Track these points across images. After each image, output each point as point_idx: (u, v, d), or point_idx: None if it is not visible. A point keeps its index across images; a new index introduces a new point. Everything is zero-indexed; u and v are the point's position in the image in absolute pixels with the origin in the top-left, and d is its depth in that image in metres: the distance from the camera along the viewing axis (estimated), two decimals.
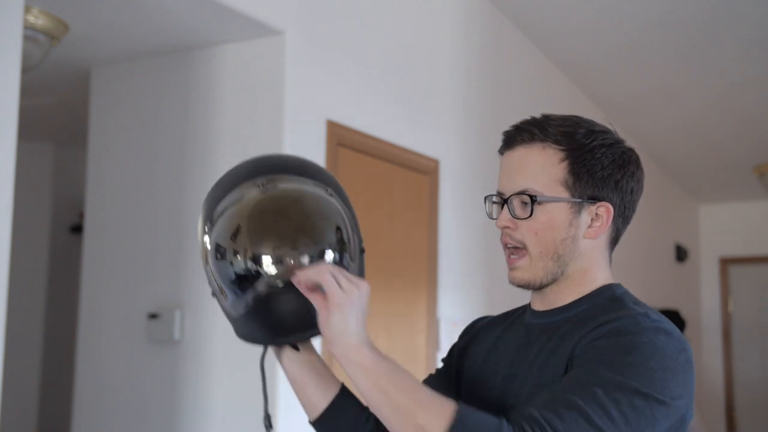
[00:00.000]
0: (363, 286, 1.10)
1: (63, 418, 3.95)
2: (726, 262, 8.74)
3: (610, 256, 1.24)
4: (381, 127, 3.09)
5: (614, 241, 1.23)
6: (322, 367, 1.25)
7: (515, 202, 1.17)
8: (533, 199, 1.15)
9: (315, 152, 2.75)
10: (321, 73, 2.82)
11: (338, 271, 1.10)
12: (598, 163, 1.16)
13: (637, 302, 1.18)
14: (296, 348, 1.22)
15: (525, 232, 1.17)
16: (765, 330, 8.40)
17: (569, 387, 1.05)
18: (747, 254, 8.60)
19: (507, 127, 1.24)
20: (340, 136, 2.86)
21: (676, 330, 1.11)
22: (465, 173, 3.68)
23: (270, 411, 2.50)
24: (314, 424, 1.26)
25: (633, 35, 4.41)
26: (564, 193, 1.16)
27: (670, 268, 7.48)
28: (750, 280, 8.61)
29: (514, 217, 1.17)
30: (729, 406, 8.42)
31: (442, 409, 1.03)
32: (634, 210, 1.22)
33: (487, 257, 3.78)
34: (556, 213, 1.16)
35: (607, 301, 1.17)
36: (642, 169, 1.23)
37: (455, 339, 1.40)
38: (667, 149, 6.44)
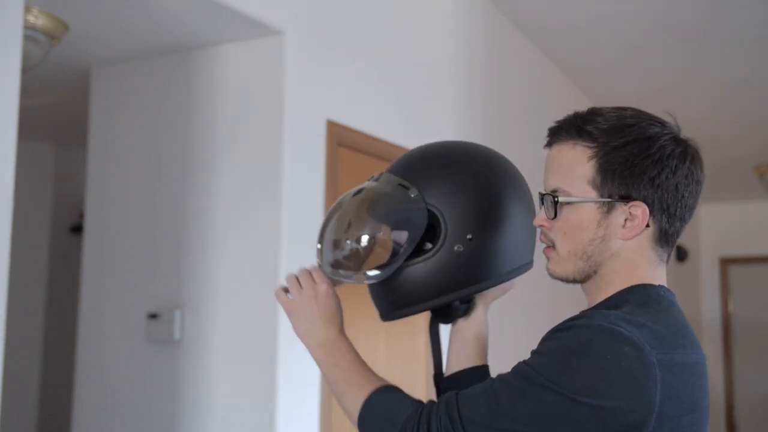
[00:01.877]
0: (313, 289, 1.29)
1: (63, 418, 3.96)
2: (726, 262, 8.74)
3: (661, 256, 1.17)
4: (381, 127, 3.09)
5: (662, 239, 1.15)
6: (469, 343, 1.38)
7: (548, 202, 1.17)
8: (555, 199, 1.14)
9: (315, 152, 2.75)
10: (321, 73, 2.82)
11: (301, 276, 1.31)
12: (628, 160, 1.11)
13: (643, 303, 1.11)
14: (445, 321, 1.41)
15: (556, 231, 1.17)
16: (765, 330, 8.41)
17: (495, 378, 1.09)
18: (747, 254, 8.60)
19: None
20: (340, 136, 2.86)
21: (643, 334, 1.03)
22: None
23: (271, 409, 2.51)
24: (435, 376, 1.42)
25: (633, 37, 4.41)
26: (592, 193, 1.13)
27: (670, 268, 7.44)
28: (750, 280, 8.62)
29: (549, 216, 1.17)
30: (729, 406, 8.43)
31: (360, 393, 1.19)
32: (686, 206, 1.15)
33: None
34: (583, 213, 1.14)
35: (622, 302, 1.13)
36: (693, 161, 1.15)
37: None
38: None
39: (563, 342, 1.04)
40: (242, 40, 2.76)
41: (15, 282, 2.34)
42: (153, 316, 2.83)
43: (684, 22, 4.22)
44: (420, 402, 1.15)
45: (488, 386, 1.08)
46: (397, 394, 1.17)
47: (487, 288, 1.31)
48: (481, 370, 1.38)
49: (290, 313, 1.31)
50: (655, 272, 1.17)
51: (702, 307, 8.71)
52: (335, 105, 2.87)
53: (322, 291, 1.30)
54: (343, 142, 2.87)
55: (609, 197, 1.12)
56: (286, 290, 1.33)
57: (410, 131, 3.30)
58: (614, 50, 4.64)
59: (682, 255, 7.84)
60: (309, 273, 1.32)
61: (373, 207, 1.33)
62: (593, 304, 1.18)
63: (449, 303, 1.32)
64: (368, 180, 1.39)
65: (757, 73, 4.93)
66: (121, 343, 2.95)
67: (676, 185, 1.13)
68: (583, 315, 1.09)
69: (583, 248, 1.14)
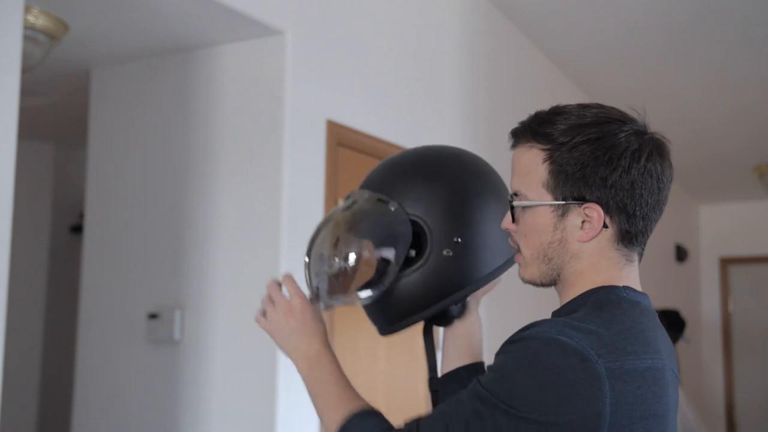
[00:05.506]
0: (287, 303, 1.29)
1: (63, 418, 3.95)
2: (726, 262, 8.75)
3: (628, 256, 1.15)
4: (381, 127, 3.09)
5: (625, 239, 1.13)
6: (463, 341, 1.40)
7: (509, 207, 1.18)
8: (511, 203, 1.16)
9: (315, 152, 2.75)
10: (321, 73, 2.82)
11: (273, 293, 1.30)
12: (578, 162, 1.09)
13: (599, 307, 1.09)
14: (441, 324, 1.42)
15: (519, 235, 1.17)
16: (765, 330, 8.41)
17: (455, 398, 1.08)
18: (747, 254, 8.60)
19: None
20: (340, 136, 2.86)
21: (583, 346, 1.01)
22: None
23: (271, 409, 2.51)
24: (430, 380, 1.41)
25: (634, 37, 4.41)
26: (546, 196, 1.12)
27: (670, 268, 7.48)
28: (750, 280, 8.62)
29: (510, 220, 1.18)
30: (729, 406, 8.43)
31: (336, 416, 1.19)
32: (647, 204, 1.11)
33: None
34: (539, 217, 1.13)
35: (581, 305, 1.11)
36: (651, 158, 1.11)
37: None
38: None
39: (512, 356, 1.04)
40: (242, 40, 2.76)
41: (15, 282, 2.34)
42: (153, 316, 2.83)
43: (684, 23, 4.21)
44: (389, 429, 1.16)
45: (447, 409, 1.08)
46: (369, 420, 1.17)
47: (480, 287, 1.32)
48: (476, 367, 1.37)
49: (271, 333, 1.30)
50: (622, 273, 1.14)
51: (702, 307, 8.71)
52: (335, 105, 2.87)
53: (297, 304, 1.29)
54: (343, 142, 2.87)
55: (563, 200, 1.11)
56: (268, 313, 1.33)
57: (410, 131, 3.30)
58: (614, 50, 4.64)
59: (682, 255, 7.84)
60: (279, 288, 1.31)
61: (355, 227, 1.32)
62: (560, 306, 1.18)
63: (445, 308, 1.33)
64: (344, 199, 1.38)
65: (757, 73, 4.93)
66: (121, 343, 2.95)
67: (632, 184, 1.09)
68: (534, 324, 1.07)
69: (543, 251, 1.14)
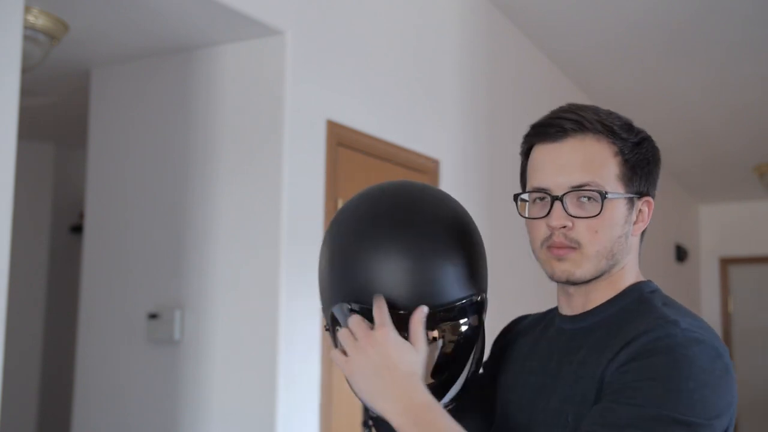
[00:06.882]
0: (369, 337, 1.02)
1: (63, 418, 3.96)
2: (726, 262, 8.75)
3: (640, 252, 1.19)
4: (381, 127, 3.09)
5: (644, 234, 1.18)
6: None
7: (570, 199, 1.08)
8: (603, 195, 1.07)
9: (315, 152, 2.75)
10: (321, 73, 2.82)
11: (353, 325, 1.04)
12: (644, 158, 1.12)
13: (666, 302, 1.10)
14: None
15: (583, 230, 1.08)
16: (765, 330, 8.41)
17: (601, 423, 0.97)
18: (747, 254, 8.60)
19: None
20: (340, 136, 2.86)
21: (708, 333, 1.02)
22: (465, 173, 3.68)
23: (270, 409, 2.50)
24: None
25: (634, 37, 4.41)
26: (621, 188, 1.10)
27: (670, 268, 7.48)
28: (750, 280, 8.62)
29: (570, 214, 1.08)
30: None
31: None
32: None
33: (486, 256, 3.77)
34: (615, 209, 1.09)
35: (636, 303, 1.10)
36: None
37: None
38: (667, 149, 6.45)
39: (663, 367, 0.98)
40: (242, 40, 2.76)
41: (15, 282, 2.34)
42: (153, 316, 2.83)
43: (684, 23, 4.21)
44: None
45: None
46: None
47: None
48: None
49: (348, 375, 1.04)
50: (641, 268, 1.18)
51: (702, 307, 8.71)
52: (335, 105, 2.87)
53: (379, 336, 1.01)
54: (343, 142, 2.87)
55: (632, 193, 1.11)
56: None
57: (410, 131, 3.30)
58: (614, 50, 4.64)
59: (682, 255, 7.84)
60: (362, 319, 1.04)
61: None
62: (591, 305, 1.13)
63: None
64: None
65: (757, 73, 4.92)
66: (121, 343, 2.95)
67: (658, 185, 1.17)
68: (651, 329, 1.02)
69: (611, 246, 1.09)
